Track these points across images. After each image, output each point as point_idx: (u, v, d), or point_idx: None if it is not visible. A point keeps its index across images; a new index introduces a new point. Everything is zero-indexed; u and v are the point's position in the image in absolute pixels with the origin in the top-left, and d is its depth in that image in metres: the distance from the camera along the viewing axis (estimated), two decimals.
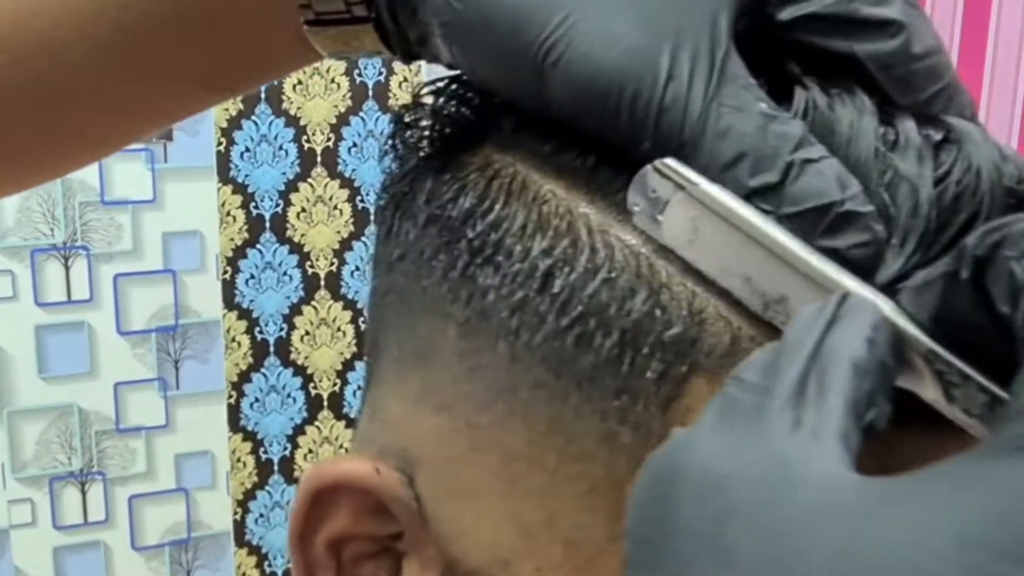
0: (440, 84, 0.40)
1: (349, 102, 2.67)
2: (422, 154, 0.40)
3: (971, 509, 0.19)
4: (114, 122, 0.48)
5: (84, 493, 2.57)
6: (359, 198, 2.72)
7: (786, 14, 0.34)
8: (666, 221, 0.32)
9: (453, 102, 0.40)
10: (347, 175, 2.70)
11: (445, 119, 0.40)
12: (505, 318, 0.36)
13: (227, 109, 2.55)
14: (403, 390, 0.40)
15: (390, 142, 0.41)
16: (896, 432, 0.29)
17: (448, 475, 0.38)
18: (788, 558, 0.21)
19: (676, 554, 0.23)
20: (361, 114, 2.69)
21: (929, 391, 0.28)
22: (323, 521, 0.40)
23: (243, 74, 0.46)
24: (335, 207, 2.71)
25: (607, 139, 0.33)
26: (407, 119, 0.41)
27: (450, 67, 0.38)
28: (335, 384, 2.78)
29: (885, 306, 0.29)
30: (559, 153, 0.36)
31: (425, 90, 0.40)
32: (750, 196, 0.31)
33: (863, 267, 0.31)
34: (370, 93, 2.68)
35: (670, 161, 0.31)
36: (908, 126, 0.33)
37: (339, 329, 2.75)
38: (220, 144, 2.57)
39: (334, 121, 2.66)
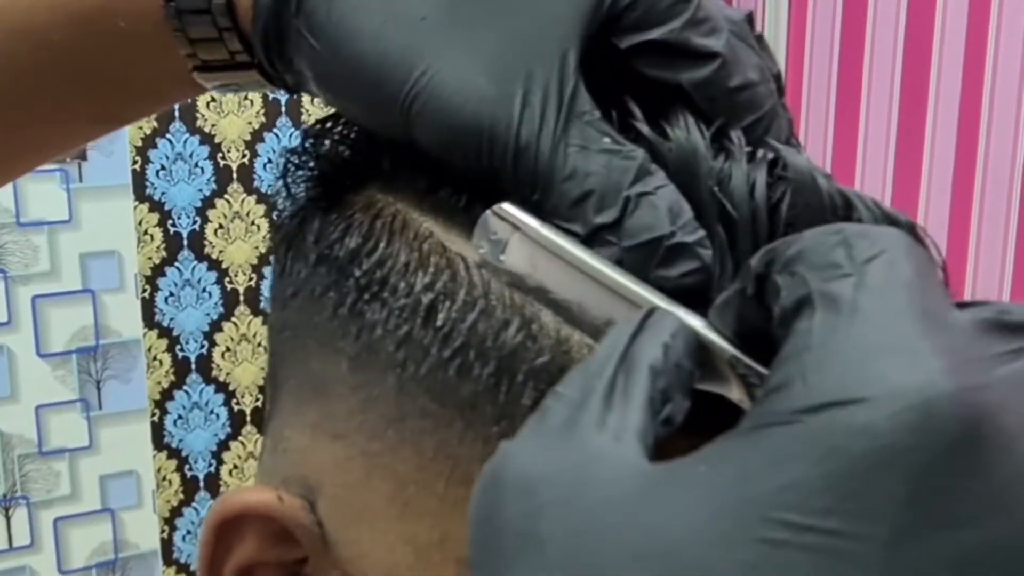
0: (324, 126, 0.42)
1: (263, 119, 2.67)
2: (310, 194, 0.42)
3: (719, 484, 0.22)
4: (2, 157, 0.49)
5: (8, 518, 2.54)
6: (276, 213, 2.70)
7: (625, 42, 0.36)
8: (507, 260, 0.35)
9: (337, 143, 0.42)
10: (263, 191, 2.69)
11: (330, 160, 0.42)
12: (392, 351, 0.38)
13: (141, 128, 2.54)
14: (301, 421, 0.42)
15: (280, 183, 0.43)
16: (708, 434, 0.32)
17: (346, 501, 0.40)
18: (589, 545, 0.23)
19: (501, 551, 0.25)
20: (275, 130, 2.68)
21: (735, 393, 0.31)
22: (231, 551, 0.41)
23: (131, 108, 0.47)
24: (252, 223, 2.71)
25: (474, 178, 0.36)
26: (295, 161, 0.43)
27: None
28: (257, 399, 2.78)
29: (695, 321, 0.31)
30: (435, 191, 0.39)
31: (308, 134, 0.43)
32: (596, 232, 0.34)
33: (697, 293, 0.33)
34: (283, 109, 2.68)
35: (506, 205, 0.34)
36: (741, 169, 0.36)
37: (260, 344, 2.75)
38: (135, 163, 2.56)
39: (249, 138, 2.66)
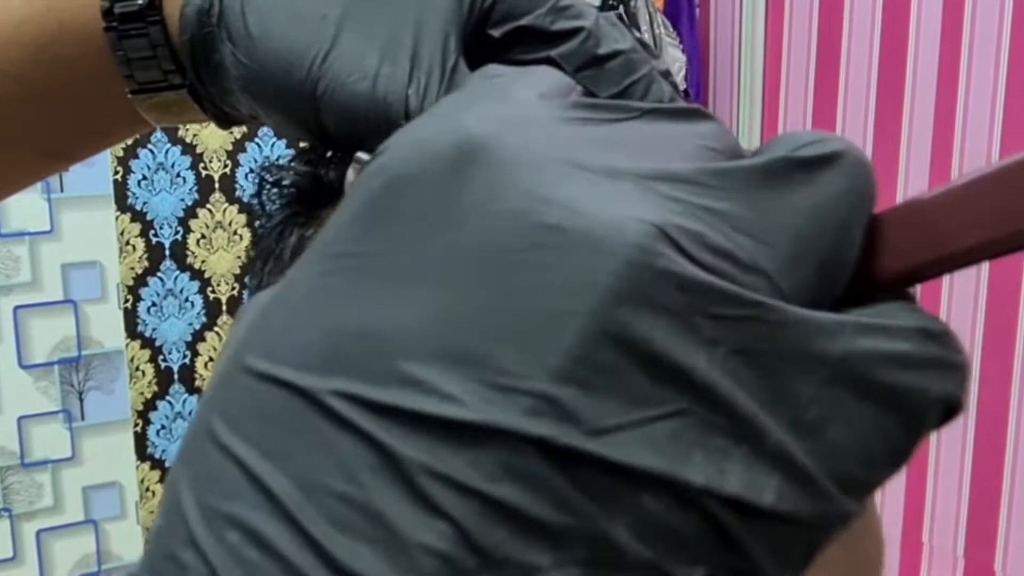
0: (303, 146, 0.43)
1: (245, 128, 2.67)
2: (287, 210, 0.43)
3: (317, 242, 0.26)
4: None
5: None
6: (258, 225, 2.71)
7: (499, 31, 0.40)
8: None
9: (312, 162, 0.43)
10: (246, 200, 2.70)
11: (308, 178, 0.43)
12: None
13: None
14: None
15: (255, 199, 0.44)
16: None
17: None
18: (234, 339, 0.25)
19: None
20: (257, 140, 2.69)
21: None
22: None
23: (82, 142, 0.49)
24: (235, 232, 2.71)
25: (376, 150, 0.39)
26: (271, 178, 0.44)
27: (253, 118, 0.43)
28: None
29: None
30: None
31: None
32: None
33: None
34: None
35: (361, 154, 0.38)
36: None
37: None
38: (117, 173, 2.56)
39: (230, 148, 2.66)
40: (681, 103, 0.27)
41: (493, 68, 0.29)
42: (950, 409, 0.24)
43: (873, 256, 0.25)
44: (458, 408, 0.22)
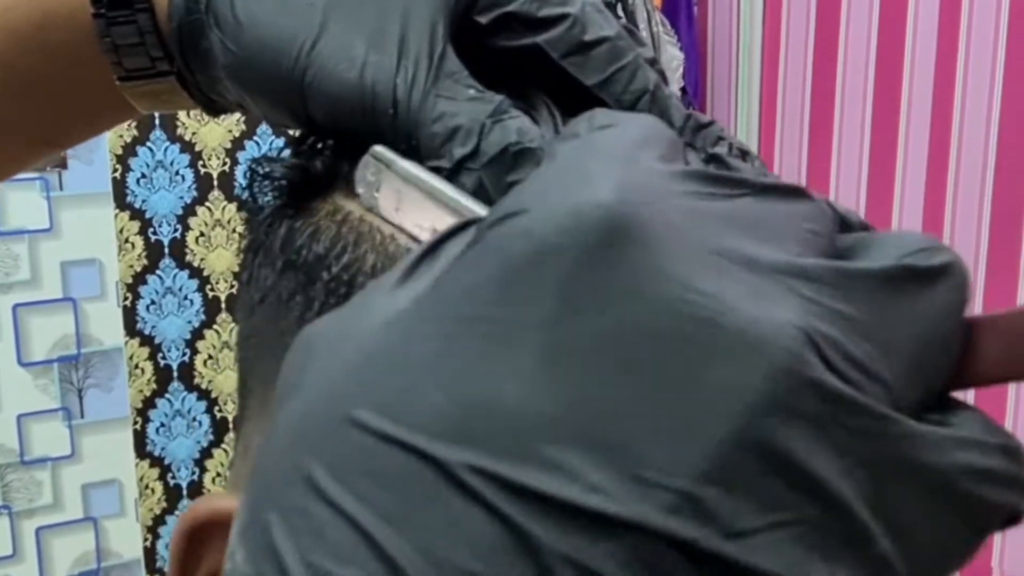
0: (293, 136, 0.43)
1: (243, 127, 2.67)
2: (277, 203, 0.43)
3: (428, 299, 0.25)
4: None
5: None
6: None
7: (485, 18, 0.40)
8: (380, 196, 0.38)
9: (302, 153, 0.43)
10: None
11: (297, 169, 0.43)
12: None
13: (121, 136, 2.54)
14: (267, 427, 0.42)
15: (246, 192, 0.44)
16: None
17: None
18: (328, 375, 0.25)
19: (278, 400, 0.27)
20: (256, 138, 2.69)
21: None
22: (200, 559, 0.41)
23: (71, 129, 0.50)
24: (233, 230, 2.71)
25: (363, 139, 0.39)
26: (261, 170, 0.44)
27: (240, 106, 0.43)
28: None
29: None
30: None
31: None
32: (459, 164, 0.36)
33: None
34: None
35: (379, 148, 0.37)
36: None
37: None
38: (116, 170, 2.56)
39: (229, 146, 2.66)
40: (784, 181, 0.27)
41: (601, 115, 0.28)
42: (1011, 518, 0.25)
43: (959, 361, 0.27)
44: (602, 499, 0.22)
